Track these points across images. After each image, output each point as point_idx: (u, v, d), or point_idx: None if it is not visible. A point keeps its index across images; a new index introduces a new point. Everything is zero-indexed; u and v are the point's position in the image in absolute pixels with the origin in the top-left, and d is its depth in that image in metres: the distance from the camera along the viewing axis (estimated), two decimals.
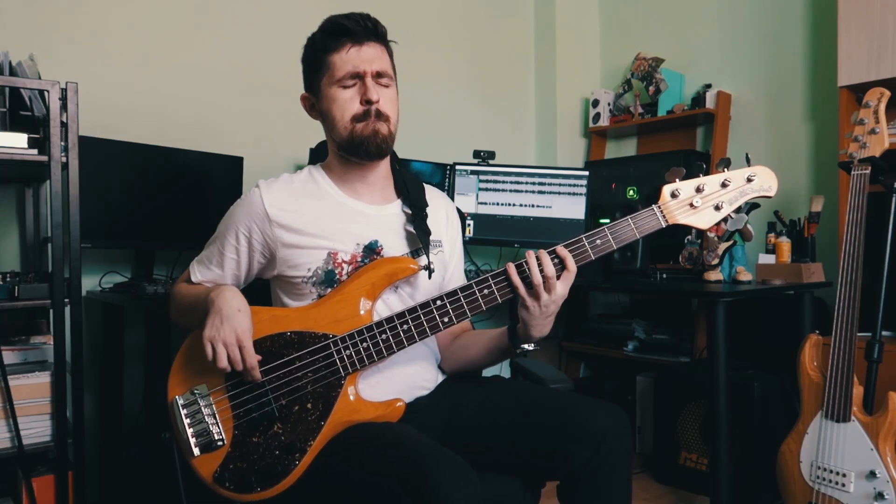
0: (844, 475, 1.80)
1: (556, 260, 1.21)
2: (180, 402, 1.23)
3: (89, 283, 2.20)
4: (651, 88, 3.11)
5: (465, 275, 1.53)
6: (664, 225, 1.24)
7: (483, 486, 1.05)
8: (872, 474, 1.75)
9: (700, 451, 2.44)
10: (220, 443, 1.20)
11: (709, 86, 2.98)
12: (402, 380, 1.30)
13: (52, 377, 1.68)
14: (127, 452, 2.16)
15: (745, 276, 2.42)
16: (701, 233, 2.49)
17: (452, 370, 1.43)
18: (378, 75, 1.30)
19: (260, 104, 2.61)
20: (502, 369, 2.95)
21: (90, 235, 1.91)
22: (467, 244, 2.80)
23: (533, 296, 1.20)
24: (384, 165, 1.40)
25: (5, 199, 2.13)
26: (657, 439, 2.62)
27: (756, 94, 2.93)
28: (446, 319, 1.22)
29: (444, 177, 2.82)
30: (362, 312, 1.25)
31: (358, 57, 1.28)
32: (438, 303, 1.22)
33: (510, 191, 2.83)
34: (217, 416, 1.21)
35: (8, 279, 1.70)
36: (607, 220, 2.40)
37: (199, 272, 1.37)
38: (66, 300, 1.67)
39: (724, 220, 1.26)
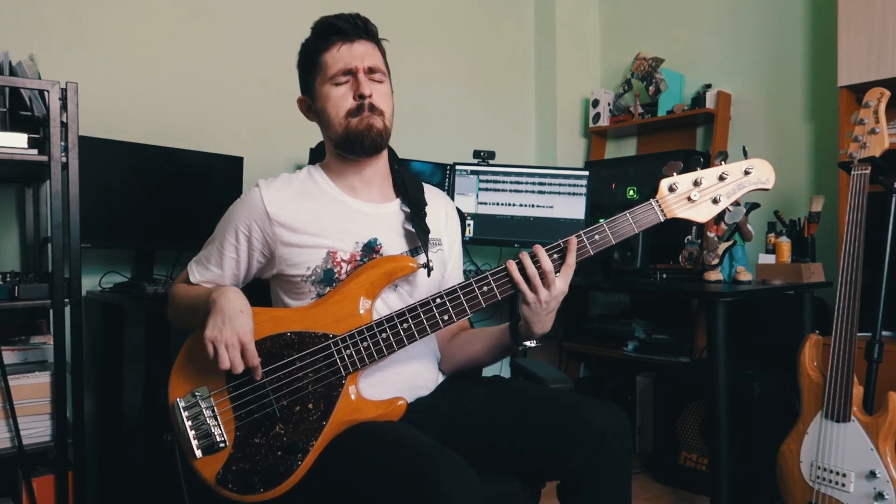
0: (844, 475, 1.80)
1: (554, 255, 1.21)
2: (182, 404, 1.22)
3: (89, 283, 2.20)
4: (651, 88, 3.11)
5: (465, 275, 1.53)
6: (662, 219, 1.24)
7: (483, 486, 1.05)
8: (872, 474, 1.75)
9: (700, 451, 2.44)
10: (222, 444, 1.20)
11: (709, 86, 2.98)
12: (403, 379, 1.30)
13: (52, 377, 1.68)
14: (127, 452, 2.16)
15: (745, 276, 2.42)
16: (701, 233, 2.49)
17: (452, 369, 1.43)
18: (370, 71, 1.31)
19: (260, 104, 2.61)
20: (502, 369, 2.95)
21: (90, 235, 1.91)
22: (467, 244, 2.81)
23: (533, 291, 1.20)
24: (382, 164, 1.40)
25: (5, 199, 2.13)
26: (657, 439, 2.62)
27: (756, 94, 2.94)
28: (446, 317, 1.22)
29: (444, 177, 2.82)
30: (362, 312, 1.25)
31: (349, 54, 1.30)
32: (438, 301, 1.22)
33: (510, 191, 2.83)
34: (219, 417, 1.21)
35: (8, 279, 1.70)
36: None
37: (198, 272, 1.37)
38: (66, 300, 1.67)
39: (723, 212, 1.25)
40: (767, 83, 2.90)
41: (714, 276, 2.39)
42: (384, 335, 1.22)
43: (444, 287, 1.30)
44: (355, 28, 1.31)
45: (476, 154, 2.91)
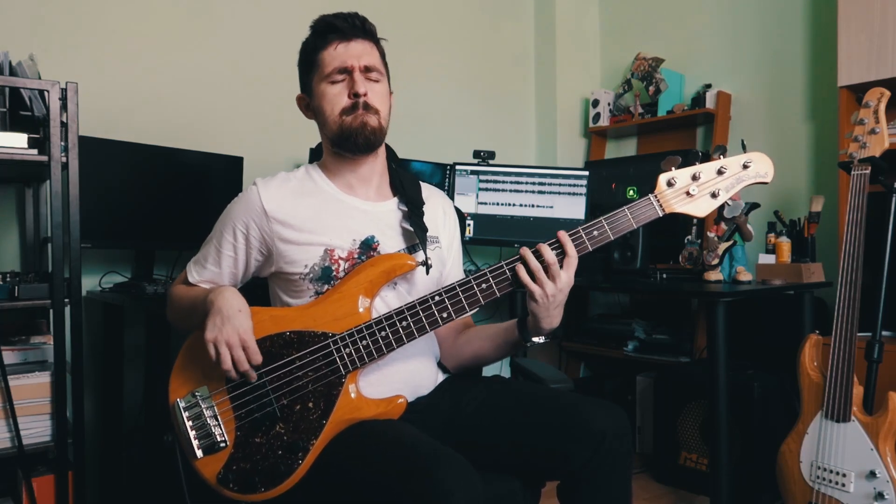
0: (844, 475, 1.80)
1: (555, 245, 1.21)
2: (182, 404, 1.23)
3: (89, 283, 2.20)
4: (651, 88, 3.11)
5: (466, 274, 1.53)
6: (661, 214, 1.23)
7: (483, 485, 1.05)
8: (872, 474, 1.75)
9: (700, 451, 2.44)
10: (222, 444, 1.20)
11: (709, 86, 2.98)
12: (402, 377, 1.30)
13: (52, 377, 1.68)
14: (127, 452, 2.16)
15: (745, 276, 2.42)
16: (701, 233, 2.49)
17: (458, 366, 1.43)
18: (366, 70, 1.31)
19: (260, 104, 2.61)
20: (502, 369, 2.95)
21: (90, 235, 1.91)
22: (467, 244, 2.81)
23: (539, 285, 1.20)
24: (379, 162, 1.40)
25: (5, 199, 2.13)
26: (657, 439, 2.62)
27: (756, 94, 2.94)
28: (445, 315, 1.22)
29: (444, 177, 2.82)
30: (361, 310, 1.25)
31: (346, 52, 1.30)
32: (437, 299, 1.22)
33: (510, 191, 2.83)
34: (219, 417, 1.21)
35: (8, 279, 1.70)
36: None
37: (196, 272, 1.37)
38: (66, 300, 1.67)
39: (722, 207, 1.25)
40: (767, 83, 2.90)
41: (714, 276, 2.39)
42: (383, 333, 1.22)
43: (443, 285, 1.30)
44: (352, 27, 1.31)
45: (476, 154, 2.91)
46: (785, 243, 2.45)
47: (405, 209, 1.38)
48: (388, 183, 1.43)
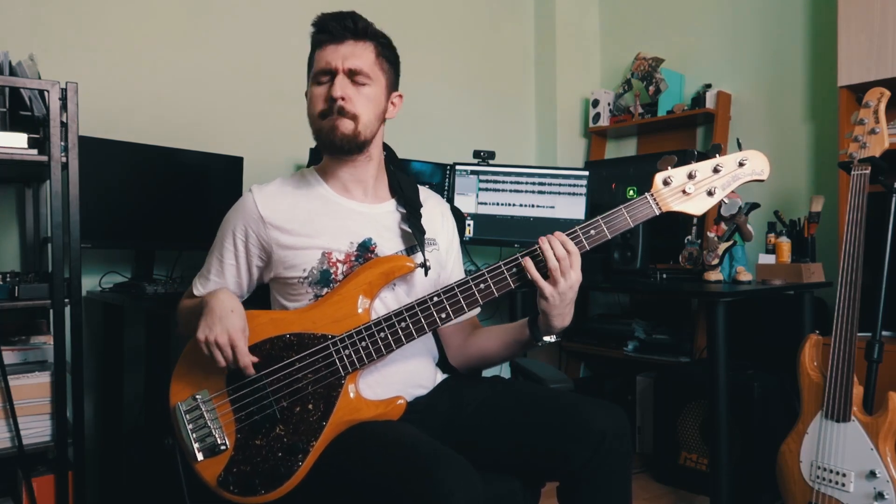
0: (844, 475, 1.80)
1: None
2: (182, 407, 1.23)
3: (89, 283, 2.20)
4: (651, 88, 3.11)
5: (466, 275, 1.53)
6: (657, 212, 1.24)
7: (483, 485, 1.05)
8: (872, 474, 1.75)
9: (700, 451, 2.44)
10: (223, 447, 1.20)
11: (709, 86, 2.98)
12: (401, 378, 1.30)
13: (52, 377, 1.68)
14: (127, 453, 2.15)
15: (745, 276, 2.42)
16: (701, 233, 2.49)
17: (468, 366, 1.43)
18: (351, 73, 1.28)
19: (260, 104, 2.61)
20: (502, 369, 2.95)
21: (90, 235, 1.91)
22: (467, 244, 2.81)
23: (551, 282, 1.20)
24: (374, 164, 1.39)
25: (5, 199, 2.13)
26: (657, 439, 2.62)
27: (756, 94, 2.93)
28: (444, 315, 1.22)
29: (443, 177, 2.82)
30: (360, 311, 1.25)
31: (333, 54, 1.29)
32: (436, 299, 1.22)
33: (510, 191, 2.83)
34: (219, 420, 1.21)
35: (8, 279, 1.70)
36: None
37: (201, 285, 1.37)
38: (66, 300, 1.67)
39: (720, 205, 1.25)
40: (767, 83, 2.90)
41: (714, 276, 2.39)
42: (382, 335, 1.22)
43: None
44: (343, 28, 1.29)
45: (476, 154, 2.91)
46: (785, 243, 2.45)
47: (403, 211, 1.38)
48: (386, 185, 1.43)
